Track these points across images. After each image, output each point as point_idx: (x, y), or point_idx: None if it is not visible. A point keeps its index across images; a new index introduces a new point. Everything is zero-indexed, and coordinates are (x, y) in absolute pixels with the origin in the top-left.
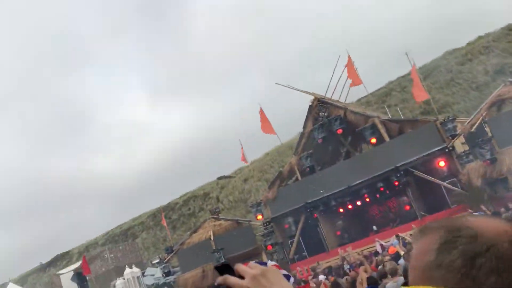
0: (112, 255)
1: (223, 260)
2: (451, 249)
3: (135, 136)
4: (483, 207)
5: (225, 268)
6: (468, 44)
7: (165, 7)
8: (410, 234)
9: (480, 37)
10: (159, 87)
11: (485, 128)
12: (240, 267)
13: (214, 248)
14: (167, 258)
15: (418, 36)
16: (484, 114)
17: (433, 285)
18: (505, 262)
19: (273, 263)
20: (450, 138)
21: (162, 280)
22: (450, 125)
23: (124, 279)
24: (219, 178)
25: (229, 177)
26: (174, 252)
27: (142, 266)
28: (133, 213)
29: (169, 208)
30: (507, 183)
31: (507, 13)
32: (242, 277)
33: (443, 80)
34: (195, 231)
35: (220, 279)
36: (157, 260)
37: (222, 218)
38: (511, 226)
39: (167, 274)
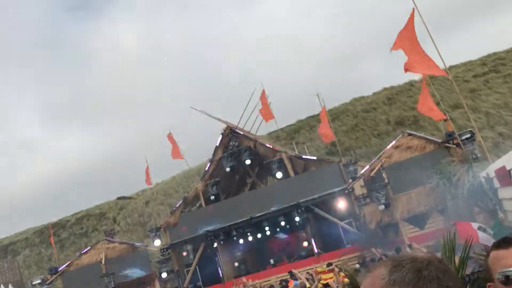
0: None
1: (113, 286)
2: (401, 269)
3: (23, 153)
4: (373, 250)
5: None
6: (374, 93)
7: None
8: (307, 272)
9: (385, 89)
10: (57, 111)
11: (383, 174)
12: None
13: (104, 272)
14: (50, 279)
15: (329, 80)
16: (382, 161)
17: None
18: (442, 272)
19: None
20: (350, 180)
21: None
22: (351, 168)
23: None
24: (119, 198)
25: (129, 198)
26: (58, 273)
27: (21, 286)
28: (17, 228)
29: (59, 226)
30: (397, 228)
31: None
32: None
33: (349, 125)
34: (85, 252)
35: None
36: (39, 281)
37: (117, 241)
38: (432, 254)
39: None
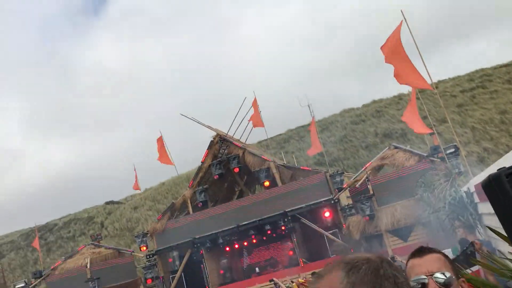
0: None
1: None
2: (358, 270)
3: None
4: None
5: None
6: (364, 105)
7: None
8: (291, 281)
9: (374, 101)
10: (44, 119)
11: (368, 186)
12: None
13: (89, 276)
14: (34, 283)
15: (320, 91)
16: (368, 173)
17: None
18: (395, 270)
19: None
20: (336, 190)
21: None
22: (338, 178)
23: None
24: (107, 203)
25: (118, 202)
26: (43, 277)
27: None
28: (2, 230)
29: (46, 229)
30: (382, 239)
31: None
32: None
33: (338, 136)
34: (70, 256)
35: None
36: (22, 284)
37: (103, 246)
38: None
39: None
